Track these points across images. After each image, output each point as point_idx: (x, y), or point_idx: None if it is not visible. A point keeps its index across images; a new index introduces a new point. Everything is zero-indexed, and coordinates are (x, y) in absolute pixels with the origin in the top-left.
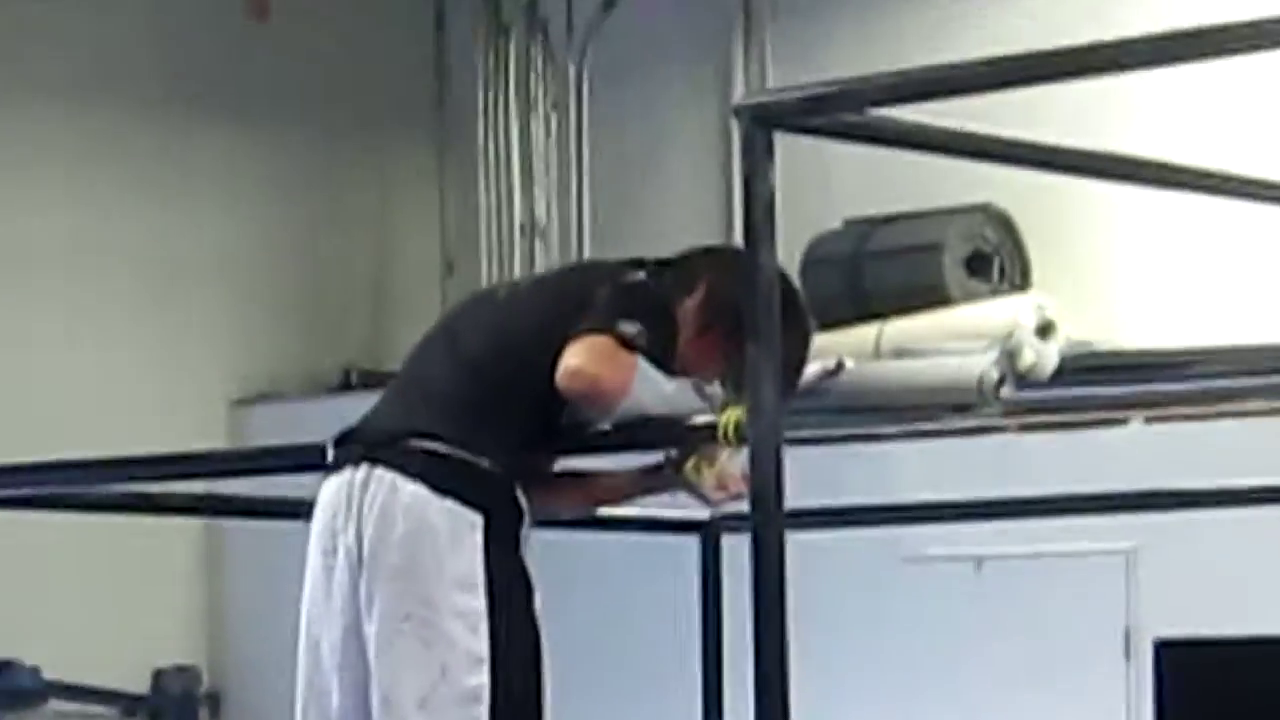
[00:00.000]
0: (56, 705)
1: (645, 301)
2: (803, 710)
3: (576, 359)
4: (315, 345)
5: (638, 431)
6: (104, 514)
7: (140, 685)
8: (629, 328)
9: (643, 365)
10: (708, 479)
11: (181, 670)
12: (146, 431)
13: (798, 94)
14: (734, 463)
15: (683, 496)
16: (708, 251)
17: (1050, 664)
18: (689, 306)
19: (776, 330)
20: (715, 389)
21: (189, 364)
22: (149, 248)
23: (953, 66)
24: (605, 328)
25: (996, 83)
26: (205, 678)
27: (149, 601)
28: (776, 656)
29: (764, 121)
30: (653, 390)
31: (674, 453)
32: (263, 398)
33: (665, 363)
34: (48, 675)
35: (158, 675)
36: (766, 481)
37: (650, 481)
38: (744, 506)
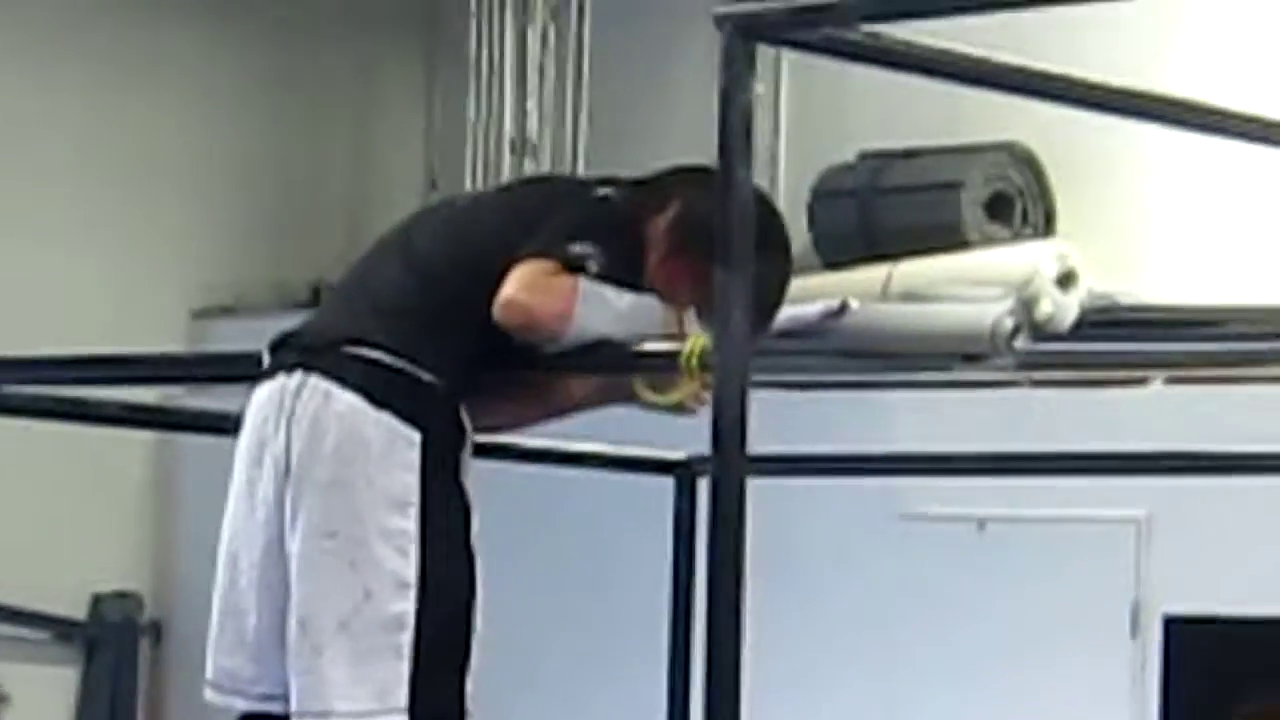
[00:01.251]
0: None
1: (604, 219)
2: (790, 668)
3: (510, 288)
4: (285, 258)
5: (594, 355)
6: (26, 418)
7: (77, 610)
8: (578, 248)
9: (589, 287)
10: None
11: (122, 596)
12: (99, 340)
13: (783, 4)
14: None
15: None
16: (684, 169)
17: (1051, 636)
18: (660, 226)
19: (749, 254)
20: (690, 319)
21: (149, 270)
22: (112, 143)
23: None
24: (548, 251)
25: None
26: (148, 605)
27: (91, 521)
28: (731, 611)
29: (746, 33)
30: (602, 312)
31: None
32: (226, 311)
33: (630, 283)
34: None
35: (96, 600)
36: (731, 421)
37: (608, 394)
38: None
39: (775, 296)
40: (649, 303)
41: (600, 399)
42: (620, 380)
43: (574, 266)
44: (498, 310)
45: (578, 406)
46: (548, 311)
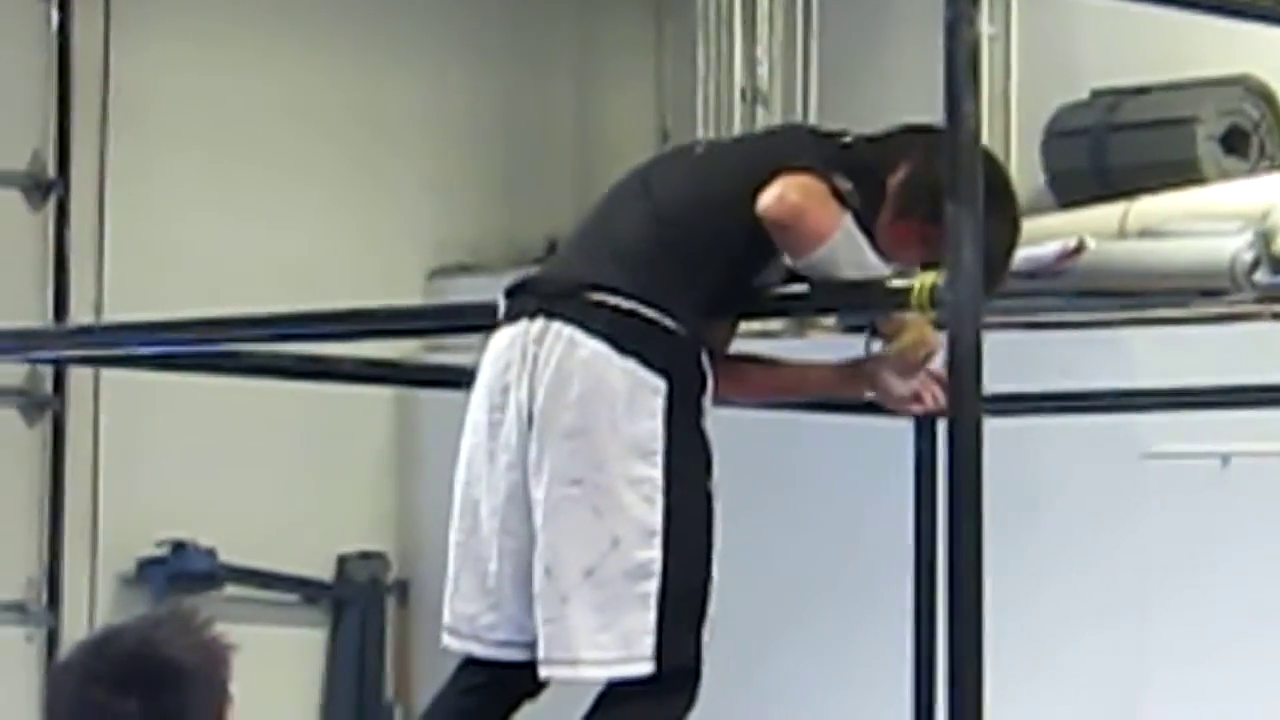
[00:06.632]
0: (232, 590)
1: (860, 165)
2: (1034, 608)
3: (785, 188)
4: (519, 214)
5: (825, 294)
6: (269, 377)
7: (324, 572)
8: (844, 183)
9: (851, 225)
10: (897, 384)
11: (368, 557)
12: (338, 301)
13: None
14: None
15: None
16: (914, 130)
17: None
18: (890, 186)
19: (978, 189)
20: None
21: (386, 231)
22: (347, 111)
23: None
24: (821, 172)
25: None
26: (394, 565)
27: (336, 483)
28: (972, 551)
29: None
30: (854, 255)
31: (875, 346)
32: (463, 269)
33: (869, 234)
34: (224, 558)
35: (342, 561)
36: (965, 360)
37: (842, 381)
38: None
39: (1002, 260)
40: (885, 271)
41: (831, 385)
42: (860, 370)
43: (841, 197)
44: (770, 203)
45: (808, 389)
46: (815, 221)
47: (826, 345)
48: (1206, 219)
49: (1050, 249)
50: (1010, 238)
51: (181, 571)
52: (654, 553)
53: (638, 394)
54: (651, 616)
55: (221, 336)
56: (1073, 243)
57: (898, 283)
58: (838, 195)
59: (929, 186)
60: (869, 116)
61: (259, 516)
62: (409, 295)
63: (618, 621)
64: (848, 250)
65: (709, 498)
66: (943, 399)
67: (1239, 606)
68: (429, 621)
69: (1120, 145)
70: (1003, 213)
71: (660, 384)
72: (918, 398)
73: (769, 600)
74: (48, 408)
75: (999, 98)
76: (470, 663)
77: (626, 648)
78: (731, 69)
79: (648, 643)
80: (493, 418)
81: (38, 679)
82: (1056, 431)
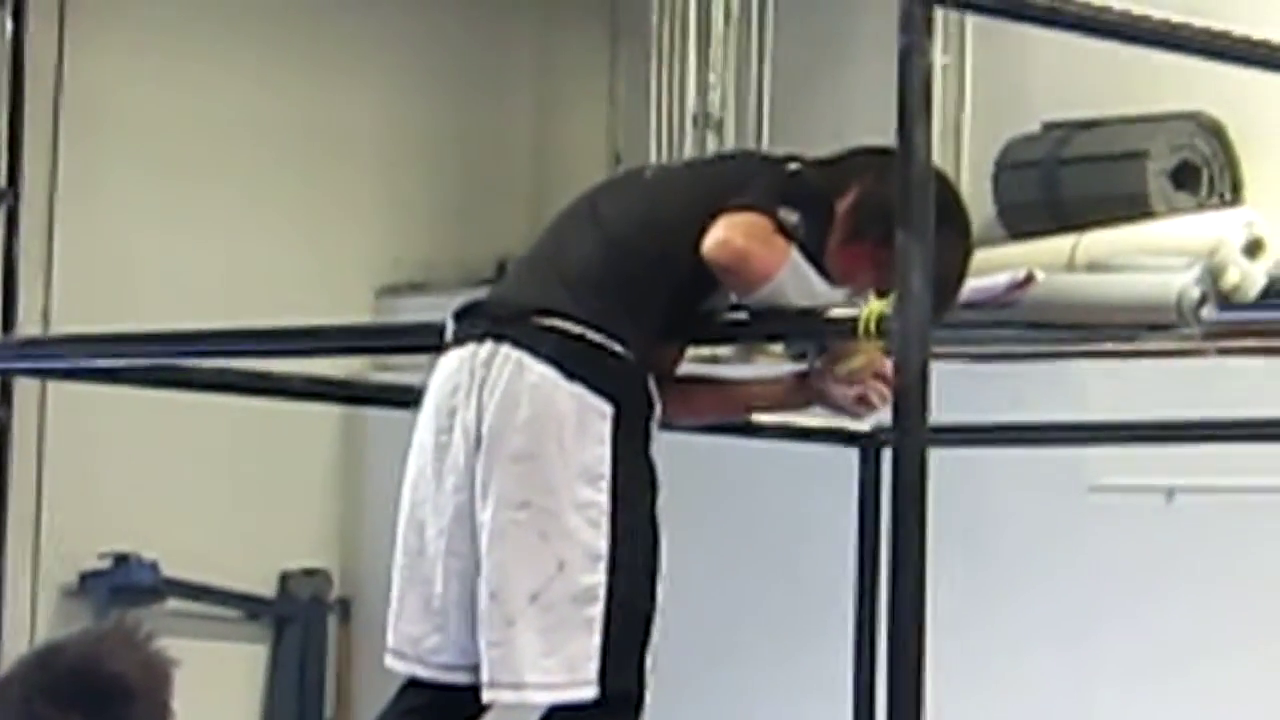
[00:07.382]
0: (175, 604)
1: (807, 193)
2: (977, 638)
3: (727, 230)
4: (470, 234)
5: (772, 320)
6: (216, 392)
7: (266, 588)
8: (789, 216)
9: (797, 258)
10: (843, 392)
11: (311, 574)
12: (287, 318)
13: None
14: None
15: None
16: (864, 152)
17: (1245, 608)
18: (839, 210)
19: (929, 217)
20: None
21: (337, 249)
22: (301, 127)
23: None
24: (763, 208)
25: None
26: (336, 583)
27: (280, 499)
28: (914, 580)
29: None
30: (802, 286)
31: (818, 363)
32: (412, 287)
33: (817, 262)
34: (167, 572)
35: (285, 578)
36: (911, 389)
37: (788, 394)
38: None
39: (955, 280)
40: (836, 298)
41: (779, 400)
42: (806, 383)
43: (786, 233)
44: (711, 246)
45: (757, 405)
46: (760, 262)
47: (773, 372)
48: (1155, 254)
49: (999, 280)
50: (962, 262)
51: (124, 585)
52: (599, 577)
53: (585, 419)
54: (596, 640)
55: (169, 350)
56: (1022, 274)
57: (844, 311)
58: (782, 229)
59: (878, 209)
60: (821, 141)
61: (202, 531)
62: (358, 313)
63: (563, 646)
64: (795, 283)
65: (655, 523)
66: (888, 394)
67: (1182, 641)
68: (371, 640)
69: (1071, 178)
70: (955, 236)
71: (608, 409)
72: (864, 399)
73: (713, 626)
74: None
75: (951, 128)
76: (413, 684)
77: (571, 672)
78: (684, 93)
79: (591, 667)
80: (440, 440)
81: None
82: (1003, 462)
